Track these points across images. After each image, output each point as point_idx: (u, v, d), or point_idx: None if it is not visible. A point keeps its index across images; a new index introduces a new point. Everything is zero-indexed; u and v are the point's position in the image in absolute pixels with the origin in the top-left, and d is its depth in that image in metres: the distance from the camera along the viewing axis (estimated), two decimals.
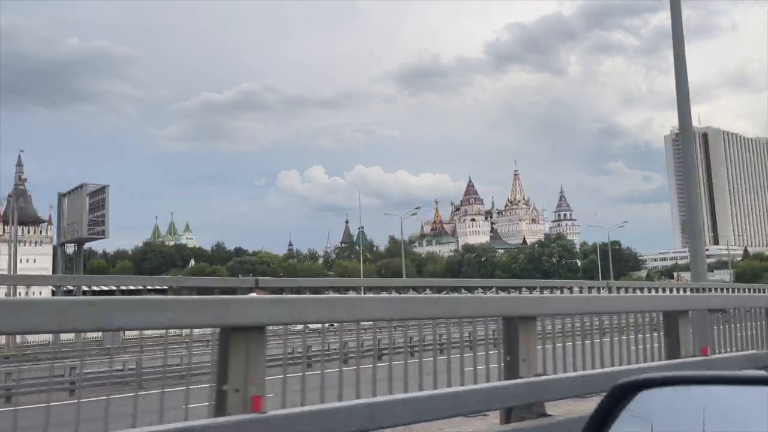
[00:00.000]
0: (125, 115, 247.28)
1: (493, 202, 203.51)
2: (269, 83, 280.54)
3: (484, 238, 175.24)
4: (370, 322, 5.89)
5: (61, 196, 66.64)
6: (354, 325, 5.65)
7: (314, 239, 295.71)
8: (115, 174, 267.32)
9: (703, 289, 10.55)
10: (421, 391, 5.15)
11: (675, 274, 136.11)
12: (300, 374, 5.02)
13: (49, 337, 6.80)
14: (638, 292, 10.22)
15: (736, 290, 12.70)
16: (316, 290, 6.52)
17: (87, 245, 76.54)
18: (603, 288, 10.29)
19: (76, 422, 4.58)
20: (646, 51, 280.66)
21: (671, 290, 11.43)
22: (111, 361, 15.17)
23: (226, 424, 3.54)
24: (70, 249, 68.11)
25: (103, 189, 63.98)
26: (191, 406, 4.65)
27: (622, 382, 1.82)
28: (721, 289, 11.76)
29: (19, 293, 10.55)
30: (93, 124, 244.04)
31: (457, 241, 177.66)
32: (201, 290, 5.74)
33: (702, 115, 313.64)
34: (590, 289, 9.71)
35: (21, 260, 73.23)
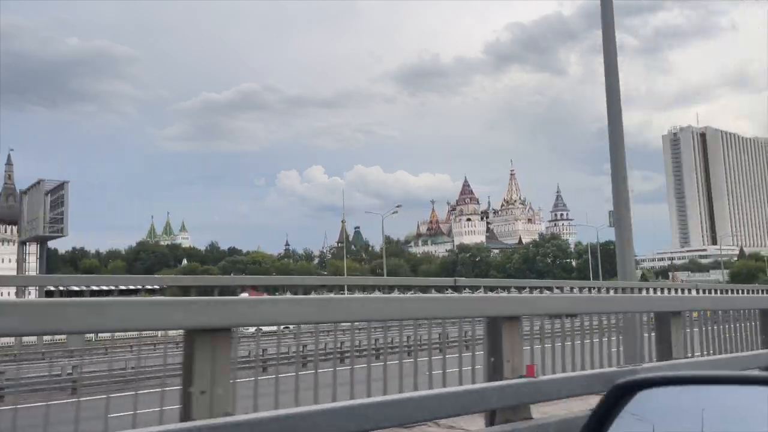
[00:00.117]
0: (125, 115, 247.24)
1: (489, 202, 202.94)
2: (269, 83, 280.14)
3: (479, 238, 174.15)
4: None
5: (22, 193, 64.93)
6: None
7: (313, 239, 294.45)
8: (115, 174, 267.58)
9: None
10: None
11: (671, 274, 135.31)
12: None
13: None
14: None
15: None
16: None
17: (80, 245, 74.99)
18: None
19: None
20: (645, 51, 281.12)
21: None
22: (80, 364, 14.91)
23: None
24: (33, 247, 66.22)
25: (62, 185, 62.10)
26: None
27: (621, 382, 1.81)
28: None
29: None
30: (93, 124, 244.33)
31: (453, 241, 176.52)
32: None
33: (702, 115, 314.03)
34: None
35: (2, 260, 71.48)
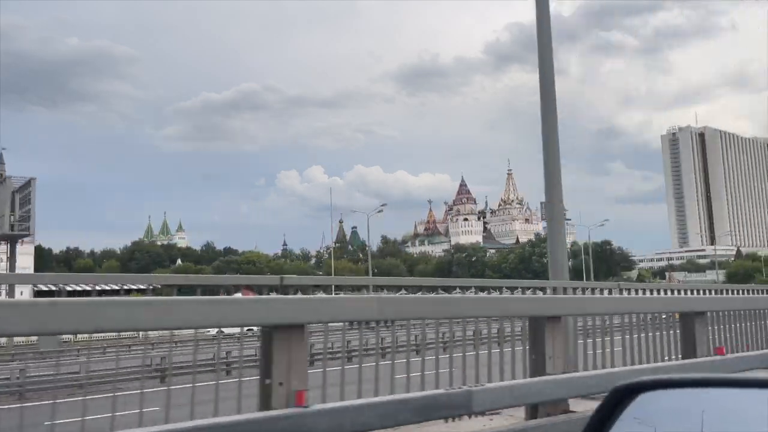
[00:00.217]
0: (125, 115, 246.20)
1: (486, 202, 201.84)
2: (269, 83, 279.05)
3: (476, 238, 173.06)
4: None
5: None
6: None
7: (313, 239, 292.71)
8: (114, 174, 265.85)
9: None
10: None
11: (667, 275, 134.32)
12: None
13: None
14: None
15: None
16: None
17: (71, 244, 73.56)
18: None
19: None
20: (645, 51, 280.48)
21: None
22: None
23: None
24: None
25: (29, 183, 60.43)
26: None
27: (622, 384, 1.82)
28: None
29: None
30: (93, 124, 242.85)
31: (450, 241, 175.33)
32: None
33: (702, 115, 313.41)
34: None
35: None
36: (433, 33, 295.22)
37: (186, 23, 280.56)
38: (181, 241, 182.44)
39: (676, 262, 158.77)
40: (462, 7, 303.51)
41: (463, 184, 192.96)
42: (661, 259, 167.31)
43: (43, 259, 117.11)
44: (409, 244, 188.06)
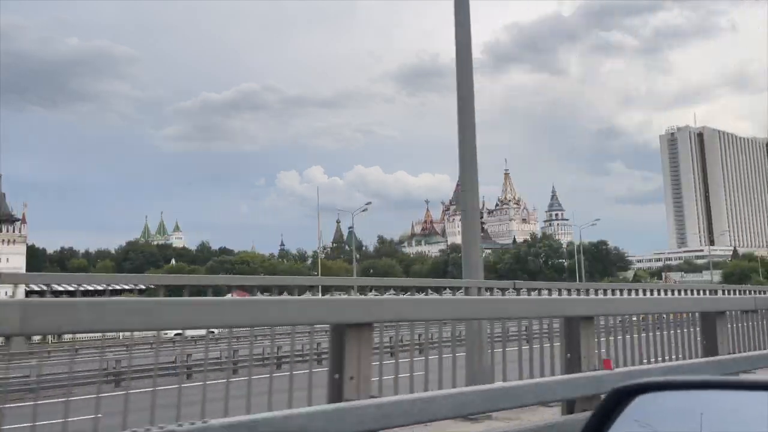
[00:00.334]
0: (125, 115, 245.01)
1: (483, 202, 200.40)
2: (269, 83, 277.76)
3: None
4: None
5: None
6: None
7: (311, 239, 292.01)
8: (114, 174, 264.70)
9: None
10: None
11: (663, 275, 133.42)
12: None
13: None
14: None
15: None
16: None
17: (68, 245, 72.22)
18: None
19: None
20: (645, 51, 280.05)
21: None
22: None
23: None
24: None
25: None
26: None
27: (620, 386, 1.83)
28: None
29: None
30: (92, 124, 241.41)
31: (447, 241, 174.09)
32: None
33: (702, 116, 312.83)
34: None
35: None
36: (433, 33, 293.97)
37: (186, 23, 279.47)
38: (178, 241, 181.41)
39: (675, 263, 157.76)
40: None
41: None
42: (659, 260, 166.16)
43: (37, 258, 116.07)
44: (406, 244, 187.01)
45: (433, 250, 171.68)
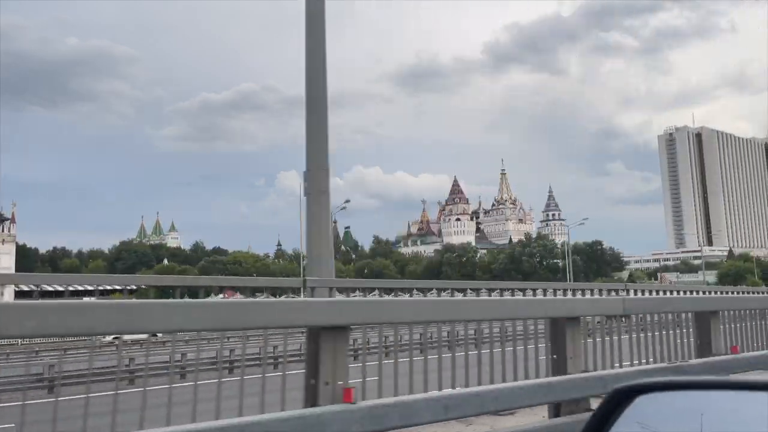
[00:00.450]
0: (124, 115, 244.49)
1: (480, 202, 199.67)
2: (268, 83, 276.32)
3: (469, 238, 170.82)
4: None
5: None
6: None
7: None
8: (113, 174, 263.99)
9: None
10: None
11: (659, 275, 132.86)
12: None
13: None
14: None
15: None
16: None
17: (68, 245, 71.33)
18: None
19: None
20: (645, 52, 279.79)
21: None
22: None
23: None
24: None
25: None
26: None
27: (621, 386, 1.83)
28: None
29: None
30: (92, 124, 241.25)
31: (443, 241, 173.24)
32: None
33: (702, 116, 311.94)
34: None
35: None
36: (432, 33, 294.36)
37: (185, 23, 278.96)
38: (174, 241, 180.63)
39: (672, 263, 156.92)
40: (461, 8, 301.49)
41: (455, 184, 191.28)
42: (657, 260, 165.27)
43: (28, 259, 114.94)
44: (402, 244, 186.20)
45: (428, 250, 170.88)
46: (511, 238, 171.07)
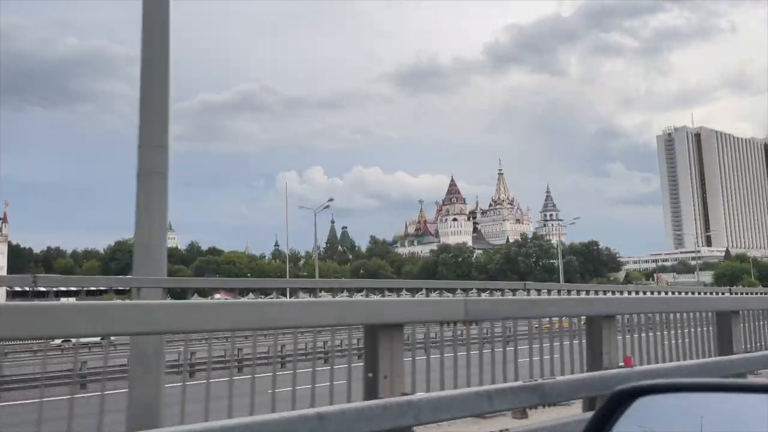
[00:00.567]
0: (124, 116, 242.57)
1: (477, 202, 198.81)
2: (268, 84, 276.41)
3: (466, 238, 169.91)
4: None
5: None
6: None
7: (308, 240, 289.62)
8: (113, 174, 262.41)
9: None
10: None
11: (655, 276, 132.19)
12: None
13: None
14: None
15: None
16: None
17: (55, 244, 70.58)
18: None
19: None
20: (645, 52, 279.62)
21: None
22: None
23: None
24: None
25: None
26: None
27: (621, 388, 1.82)
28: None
29: None
30: (91, 124, 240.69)
31: (440, 241, 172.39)
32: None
33: (702, 117, 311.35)
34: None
35: None
36: (432, 33, 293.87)
37: (184, 23, 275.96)
38: (171, 241, 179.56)
39: (670, 264, 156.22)
40: (460, 8, 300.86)
41: (452, 184, 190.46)
42: (656, 261, 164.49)
43: (22, 259, 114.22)
44: (399, 244, 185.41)
45: (425, 250, 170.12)
46: (508, 239, 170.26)
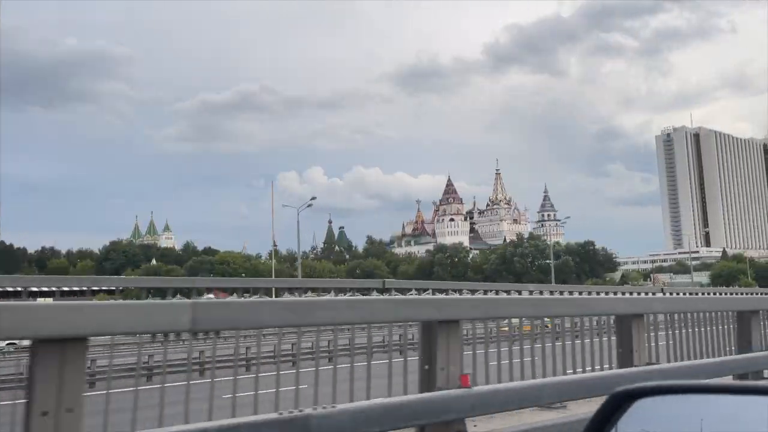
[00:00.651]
0: (123, 116, 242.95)
1: (474, 202, 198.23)
2: (268, 84, 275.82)
3: (463, 238, 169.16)
4: None
5: None
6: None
7: (307, 240, 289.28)
8: (112, 175, 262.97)
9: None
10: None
11: (652, 276, 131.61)
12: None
13: None
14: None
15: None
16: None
17: (49, 245, 69.90)
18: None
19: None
20: (645, 53, 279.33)
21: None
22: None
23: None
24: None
25: None
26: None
27: (620, 389, 1.81)
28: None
29: None
30: (91, 124, 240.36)
31: (436, 242, 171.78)
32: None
33: (702, 117, 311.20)
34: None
35: None
36: (432, 34, 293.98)
37: (184, 23, 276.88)
38: (168, 241, 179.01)
39: (669, 264, 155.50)
40: (460, 8, 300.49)
41: (449, 184, 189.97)
42: (655, 261, 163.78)
43: (15, 258, 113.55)
44: (395, 244, 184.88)
45: (422, 250, 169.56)
46: (505, 238, 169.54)
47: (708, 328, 8.27)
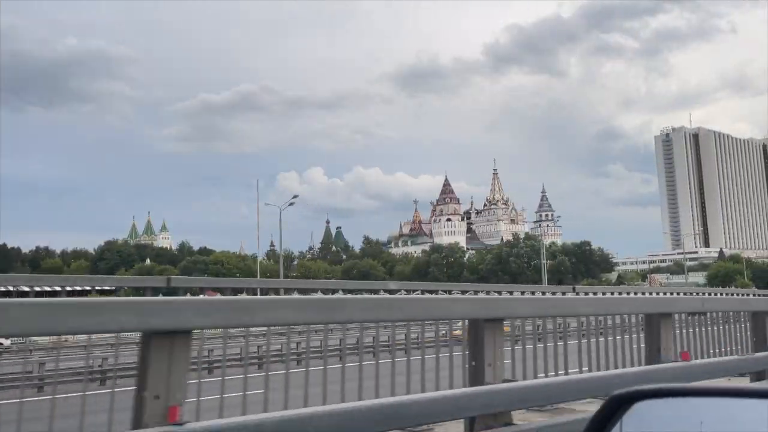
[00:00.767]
0: (123, 116, 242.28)
1: (471, 202, 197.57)
2: (267, 84, 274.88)
3: (460, 239, 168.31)
4: None
5: None
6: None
7: (305, 240, 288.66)
8: (112, 175, 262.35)
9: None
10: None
11: (648, 276, 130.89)
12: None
13: None
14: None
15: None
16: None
17: (44, 244, 68.95)
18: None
19: None
20: (645, 53, 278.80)
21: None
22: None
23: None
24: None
25: None
26: None
27: (618, 393, 1.78)
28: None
29: None
30: (91, 124, 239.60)
31: (433, 242, 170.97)
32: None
33: (702, 118, 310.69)
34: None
35: None
36: (432, 34, 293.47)
37: (184, 24, 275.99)
38: (165, 241, 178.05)
39: (667, 264, 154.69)
40: (461, 9, 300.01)
41: (446, 184, 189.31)
42: (653, 261, 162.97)
43: (8, 258, 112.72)
44: (392, 244, 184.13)
45: (419, 250, 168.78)
46: (502, 238, 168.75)
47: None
